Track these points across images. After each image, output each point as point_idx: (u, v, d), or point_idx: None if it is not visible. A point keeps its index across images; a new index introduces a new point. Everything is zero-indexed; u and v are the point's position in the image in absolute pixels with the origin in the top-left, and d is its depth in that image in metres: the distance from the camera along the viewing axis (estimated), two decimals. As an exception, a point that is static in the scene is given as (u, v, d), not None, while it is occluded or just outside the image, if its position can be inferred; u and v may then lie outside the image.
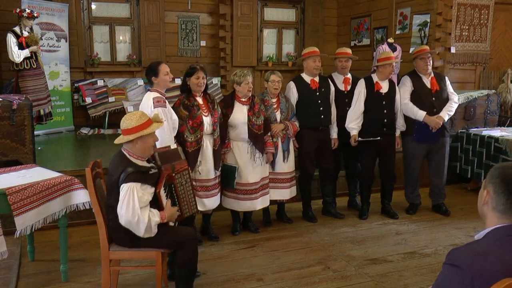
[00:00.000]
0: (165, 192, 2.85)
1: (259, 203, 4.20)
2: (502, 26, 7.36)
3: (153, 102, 3.44)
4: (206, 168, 3.86)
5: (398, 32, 7.66)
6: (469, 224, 4.55)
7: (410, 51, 7.21)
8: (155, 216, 2.70)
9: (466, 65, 7.00)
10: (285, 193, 4.41)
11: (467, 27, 6.88)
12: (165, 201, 2.83)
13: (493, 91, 6.47)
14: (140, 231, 2.67)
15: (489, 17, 6.97)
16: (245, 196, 4.12)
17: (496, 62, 7.38)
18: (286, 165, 4.37)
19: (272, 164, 4.31)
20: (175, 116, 3.63)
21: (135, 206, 2.61)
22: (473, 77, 7.13)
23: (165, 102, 3.51)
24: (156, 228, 2.72)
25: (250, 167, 4.10)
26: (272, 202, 4.44)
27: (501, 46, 7.43)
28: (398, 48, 7.02)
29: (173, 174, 2.90)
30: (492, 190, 1.59)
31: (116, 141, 2.82)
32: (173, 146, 3.38)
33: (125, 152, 2.80)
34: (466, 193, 5.69)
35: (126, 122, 2.75)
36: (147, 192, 2.71)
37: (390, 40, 7.12)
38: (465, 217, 4.78)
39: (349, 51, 4.78)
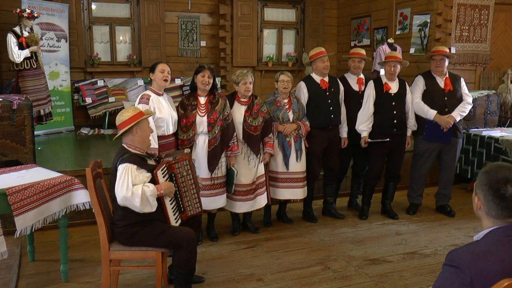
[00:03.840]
0: (164, 177, 2.87)
1: (252, 205, 4.18)
2: (502, 26, 7.36)
3: (139, 99, 3.65)
4: (198, 167, 3.86)
5: (398, 32, 7.66)
6: (469, 225, 4.55)
7: (410, 52, 7.23)
8: (149, 187, 2.73)
9: (466, 66, 6.99)
10: (298, 193, 4.40)
11: (467, 28, 6.88)
12: (162, 181, 2.87)
13: (493, 91, 6.48)
14: (137, 205, 2.69)
15: (489, 18, 6.97)
16: (238, 197, 4.11)
17: (496, 62, 7.38)
18: (300, 165, 4.36)
19: (286, 163, 4.30)
20: (159, 115, 3.65)
21: (128, 182, 2.67)
22: (473, 77, 7.13)
23: (148, 99, 3.62)
24: (155, 201, 2.74)
25: (244, 169, 4.08)
26: (282, 201, 4.50)
27: (501, 46, 7.43)
28: (398, 48, 7.02)
29: (173, 162, 2.92)
30: (482, 196, 1.60)
31: (116, 135, 2.92)
32: (156, 146, 3.56)
33: (124, 145, 2.88)
34: (466, 193, 5.68)
35: (122, 116, 2.90)
36: (143, 175, 2.76)
37: (390, 40, 7.12)
38: (465, 217, 4.78)
39: (362, 51, 4.78)
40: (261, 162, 4.19)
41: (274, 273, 3.48)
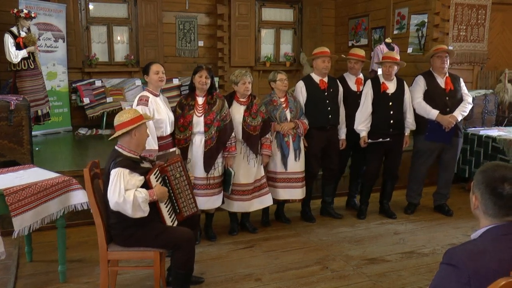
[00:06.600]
0: (157, 181, 2.85)
1: (253, 205, 4.17)
2: (499, 26, 7.38)
3: (137, 100, 3.63)
4: (194, 166, 3.87)
5: (395, 32, 7.67)
6: (467, 224, 4.56)
7: (408, 51, 7.24)
8: (141, 193, 2.70)
9: (463, 65, 7.00)
10: (297, 193, 4.38)
11: (464, 27, 6.89)
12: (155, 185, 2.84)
13: (491, 91, 6.49)
14: (128, 211, 2.68)
15: (486, 17, 6.98)
16: (237, 196, 4.11)
17: (493, 62, 7.40)
18: (298, 164, 4.34)
19: (285, 163, 4.29)
20: (158, 116, 3.67)
21: (120, 187, 2.65)
22: (471, 77, 7.14)
23: (147, 101, 3.61)
24: (146, 206, 2.72)
25: (243, 168, 4.08)
26: (281, 201, 4.48)
27: (498, 46, 7.45)
28: (396, 48, 7.03)
29: (165, 165, 2.91)
30: (480, 195, 1.60)
31: (113, 136, 2.86)
32: (156, 147, 3.56)
33: (118, 148, 2.85)
34: (464, 193, 5.68)
35: (122, 117, 2.85)
36: (135, 179, 2.74)
37: (388, 40, 7.13)
38: (463, 216, 4.79)
39: (360, 53, 4.73)
40: (261, 164, 4.19)
41: (272, 273, 3.48)
